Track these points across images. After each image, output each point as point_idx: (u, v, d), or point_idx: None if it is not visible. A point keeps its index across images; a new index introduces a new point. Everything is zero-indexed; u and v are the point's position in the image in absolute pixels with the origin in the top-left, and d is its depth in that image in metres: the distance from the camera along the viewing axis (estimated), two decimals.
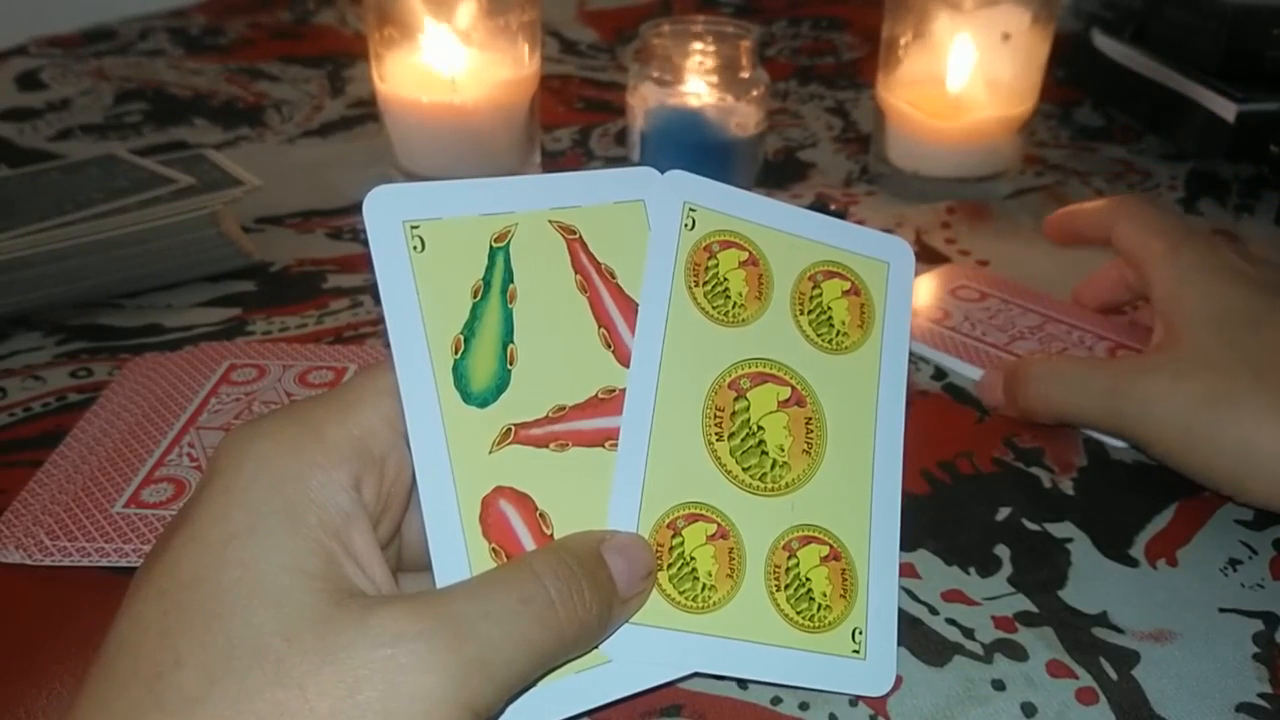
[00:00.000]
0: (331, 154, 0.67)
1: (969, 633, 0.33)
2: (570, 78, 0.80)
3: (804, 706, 0.31)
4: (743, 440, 0.31)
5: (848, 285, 0.33)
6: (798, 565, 0.31)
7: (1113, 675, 0.32)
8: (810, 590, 0.31)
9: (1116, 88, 0.71)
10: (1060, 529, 0.37)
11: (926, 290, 0.51)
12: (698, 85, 0.57)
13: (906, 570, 0.36)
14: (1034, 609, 0.34)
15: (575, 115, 0.73)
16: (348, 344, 0.47)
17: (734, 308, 0.32)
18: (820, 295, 0.33)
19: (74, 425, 0.41)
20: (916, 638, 0.33)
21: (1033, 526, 0.38)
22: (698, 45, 0.58)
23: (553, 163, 0.65)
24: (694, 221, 0.31)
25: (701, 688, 0.31)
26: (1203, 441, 0.36)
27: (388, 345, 0.27)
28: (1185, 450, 0.36)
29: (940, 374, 0.46)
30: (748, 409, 0.31)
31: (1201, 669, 0.32)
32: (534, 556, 0.26)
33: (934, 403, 0.44)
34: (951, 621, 0.34)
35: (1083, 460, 0.41)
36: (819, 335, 0.33)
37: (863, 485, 0.32)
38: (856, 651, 0.31)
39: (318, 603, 0.23)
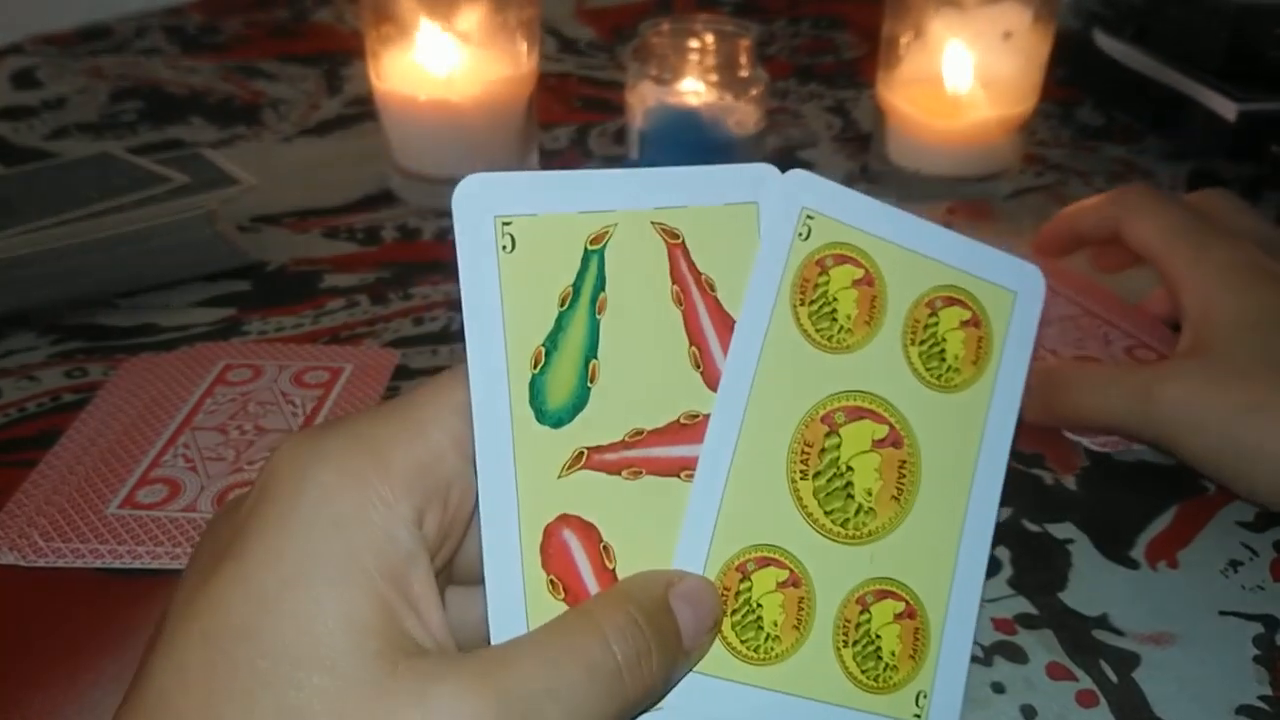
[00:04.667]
0: (328, 153, 0.66)
1: None
2: (568, 76, 0.79)
3: None
4: (829, 480, 0.28)
5: (968, 315, 0.30)
6: (870, 621, 0.29)
7: (1113, 678, 0.32)
8: (879, 649, 0.29)
9: (1117, 87, 0.71)
10: (1061, 530, 0.37)
11: None
12: (697, 84, 0.57)
13: None
14: (1034, 611, 0.34)
15: (574, 114, 0.73)
16: (344, 344, 0.47)
17: (840, 331, 0.29)
18: (936, 324, 0.30)
19: (69, 426, 0.41)
20: None
21: (1033, 528, 0.37)
22: (697, 44, 0.57)
23: (550, 162, 0.65)
24: (810, 230, 0.28)
25: None
26: (1243, 451, 0.35)
27: (464, 354, 0.25)
28: (1221, 458, 0.36)
29: None
30: (839, 446, 0.28)
31: (1202, 671, 0.32)
32: (600, 610, 0.24)
33: None
34: None
35: (1083, 461, 0.41)
36: (929, 370, 0.30)
37: (950, 539, 0.30)
38: (918, 717, 0.29)
39: (373, 668, 0.22)
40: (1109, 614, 0.34)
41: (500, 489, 0.25)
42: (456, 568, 0.28)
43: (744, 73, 0.57)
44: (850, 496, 0.28)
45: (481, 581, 0.25)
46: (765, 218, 0.28)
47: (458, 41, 0.56)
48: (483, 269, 0.25)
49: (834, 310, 0.29)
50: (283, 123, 0.70)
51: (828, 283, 0.29)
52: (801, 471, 0.28)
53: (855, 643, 0.28)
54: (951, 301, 0.30)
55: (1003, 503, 0.38)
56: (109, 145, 0.64)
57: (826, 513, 0.28)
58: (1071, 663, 0.32)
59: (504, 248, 0.25)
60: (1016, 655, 0.32)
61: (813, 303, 0.28)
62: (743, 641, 0.27)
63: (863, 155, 0.66)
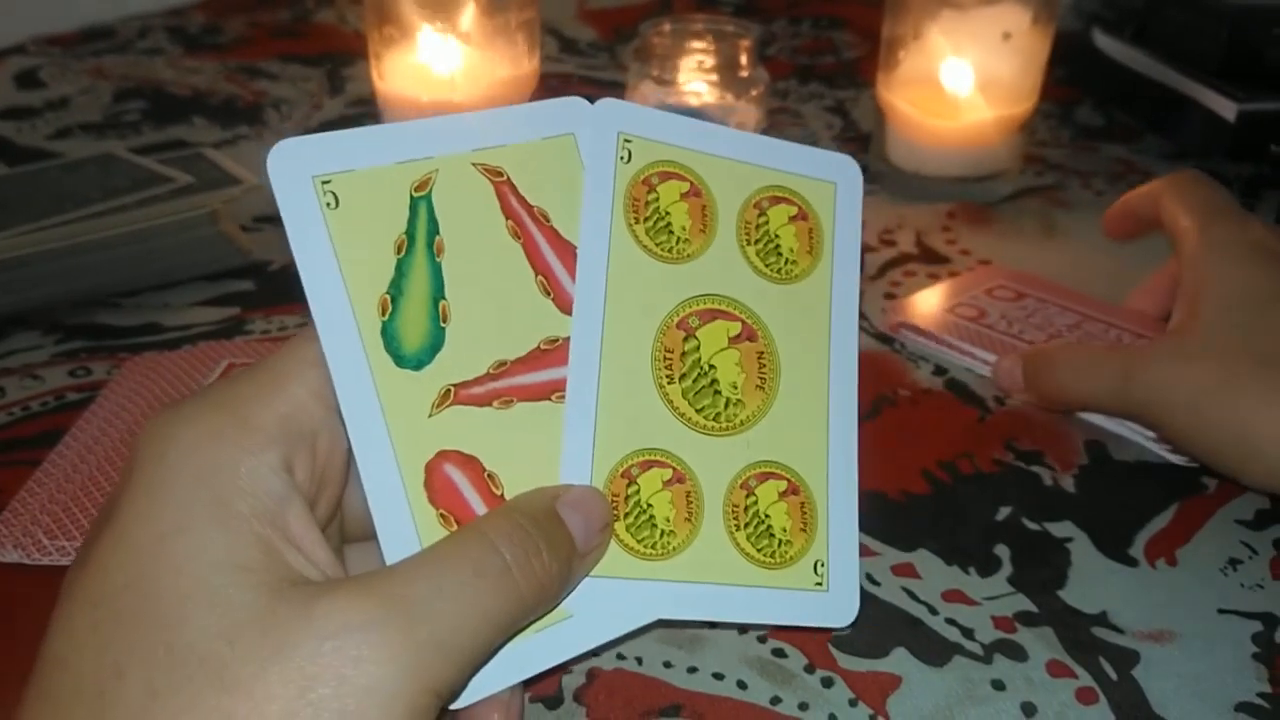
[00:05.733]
0: None
1: (969, 633, 0.33)
2: (570, 76, 0.80)
3: (804, 707, 0.31)
4: (694, 381, 0.30)
5: (795, 210, 0.32)
6: (756, 503, 0.30)
7: (1112, 675, 0.32)
8: (770, 527, 0.30)
9: (1117, 87, 0.71)
10: (1060, 528, 0.37)
11: (960, 290, 0.51)
12: (698, 84, 0.57)
13: (907, 570, 0.35)
14: (1034, 609, 0.34)
15: None
16: None
17: (678, 243, 0.31)
18: (767, 223, 0.32)
19: (72, 424, 0.41)
20: (916, 638, 0.33)
21: (1033, 526, 0.37)
22: (697, 44, 0.58)
23: None
24: (630, 153, 0.30)
25: (700, 688, 0.31)
26: (1208, 425, 0.36)
27: (308, 312, 0.25)
28: (1191, 432, 0.37)
29: (941, 371, 0.46)
30: (698, 348, 0.30)
31: (1201, 669, 0.32)
32: (486, 521, 0.25)
33: (935, 401, 0.44)
34: (951, 621, 0.34)
35: (1083, 459, 0.41)
36: (767, 265, 0.32)
37: (818, 416, 0.32)
38: (819, 584, 0.30)
39: (258, 598, 0.22)
40: (1108, 611, 0.34)
41: (371, 434, 0.26)
42: (350, 524, 0.28)
43: (744, 73, 0.57)
44: (717, 392, 0.30)
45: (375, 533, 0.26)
46: (585, 147, 0.30)
47: (459, 42, 0.56)
48: (310, 228, 0.26)
49: (668, 224, 0.31)
50: (285, 123, 0.71)
51: (657, 199, 0.30)
52: (667, 376, 0.30)
53: (747, 525, 0.30)
54: (777, 200, 0.32)
55: (1002, 501, 0.39)
56: (112, 145, 0.64)
57: (698, 410, 0.30)
58: (1071, 660, 0.32)
59: (328, 205, 0.26)
60: (1016, 653, 0.32)
61: (647, 219, 0.30)
62: (639, 541, 0.29)
63: (862, 155, 0.66)
